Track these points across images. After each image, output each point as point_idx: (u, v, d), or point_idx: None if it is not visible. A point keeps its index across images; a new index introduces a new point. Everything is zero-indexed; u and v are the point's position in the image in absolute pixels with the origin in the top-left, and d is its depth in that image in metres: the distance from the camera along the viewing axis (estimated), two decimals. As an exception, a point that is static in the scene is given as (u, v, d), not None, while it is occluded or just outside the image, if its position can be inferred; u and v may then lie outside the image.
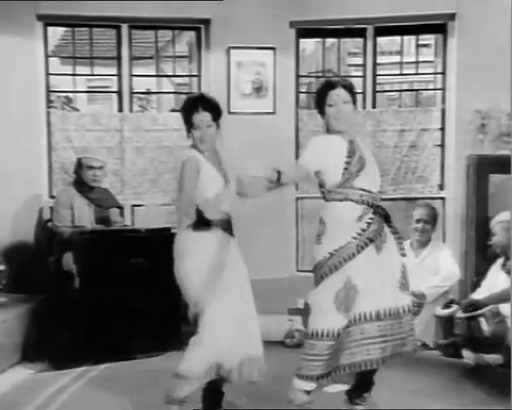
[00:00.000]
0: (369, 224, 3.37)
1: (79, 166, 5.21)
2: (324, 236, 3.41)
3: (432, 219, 5.29)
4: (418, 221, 5.29)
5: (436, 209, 5.42)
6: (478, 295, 4.88)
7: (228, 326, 3.42)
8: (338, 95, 3.42)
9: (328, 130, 3.49)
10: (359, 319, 3.34)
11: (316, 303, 3.43)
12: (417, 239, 5.31)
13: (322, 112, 3.49)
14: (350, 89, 3.46)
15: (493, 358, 4.57)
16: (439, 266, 5.18)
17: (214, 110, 3.52)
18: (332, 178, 3.40)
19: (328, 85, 3.48)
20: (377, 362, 3.38)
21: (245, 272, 3.65)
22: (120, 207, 5.47)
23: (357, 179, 3.38)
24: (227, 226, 3.56)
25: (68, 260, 4.89)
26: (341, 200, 3.39)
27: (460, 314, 4.75)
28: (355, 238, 3.33)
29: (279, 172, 3.42)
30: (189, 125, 3.51)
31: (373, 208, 3.41)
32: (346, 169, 3.38)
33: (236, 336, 3.45)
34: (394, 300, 3.39)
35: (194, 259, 3.42)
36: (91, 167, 5.17)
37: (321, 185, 3.48)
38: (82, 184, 5.19)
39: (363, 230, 3.35)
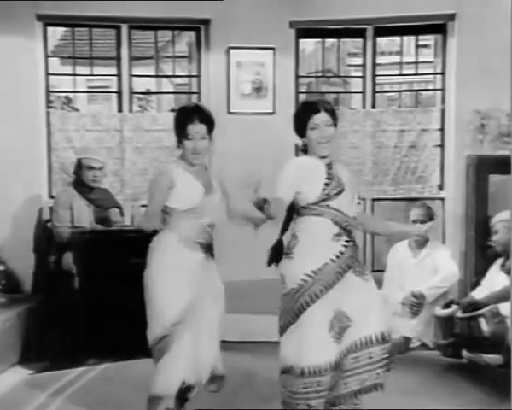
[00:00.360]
0: (345, 247, 3.22)
1: (79, 166, 5.21)
2: (296, 249, 3.26)
3: (428, 219, 5.29)
4: (415, 222, 5.29)
5: (432, 209, 5.40)
6: (478, 294, 4.89)
7: (196, 345, 3.33)
8: (321, 118, 3.26)
9: (307, 151, 3.34)
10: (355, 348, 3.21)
11: (304, 336, 3.15)
12: (415, 239, 5.32)
13: (302, 134, 3.31)
14: (331, 112, 3.30)
15: (493, 358, 4.57)
16: (437, 267, 5.17)
17: (209, 122, 3.44)
18: (308, 197, 3.24)
19: (311, 109, 3.30)
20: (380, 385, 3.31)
21: (221, 289, 3.53)
22: (119, 208, 5.47)
23: (334, 201, 3.22)
24: (208, 248, 3.45)
25: (68, 260, 4.89)
26: (316, 215, 3.23)
27: (460, 314, 4.75)
28: (333, 261, 3.17)
29: (265, 201, 3.25)
30: (182, 135, 3.38)
31: (346, 232, 3.24)
32: (323, 190, 3.22)
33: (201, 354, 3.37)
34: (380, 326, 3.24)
35: (173, 273, 3.30)
36: (91, 168, 5.16)
37: (293, 204, 3.31)
38: (82, 185, 5.19)
39: (342, 252, 3.19)
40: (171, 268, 3.31)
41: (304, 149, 3.35)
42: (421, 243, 5.30)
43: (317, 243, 3.22)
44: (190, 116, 3.39)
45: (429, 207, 5.37)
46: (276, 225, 3.54)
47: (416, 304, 5.06)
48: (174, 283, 3.29)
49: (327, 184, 3.23)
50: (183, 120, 3.41)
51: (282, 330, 3.29)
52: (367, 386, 3.28)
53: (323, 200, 3.22)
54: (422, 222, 5.24)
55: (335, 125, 3.31)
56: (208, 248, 3.46)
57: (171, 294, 3.28)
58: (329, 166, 3.30)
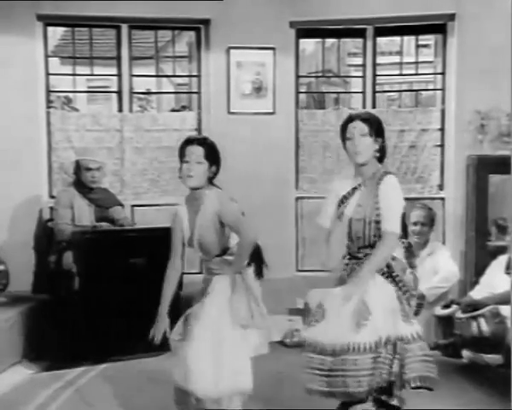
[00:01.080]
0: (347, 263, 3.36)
1: (78, 168, 5.22)
2: None
3: (429, 221, 5.29)
4: (415, 224, 5.28)
5: (433, 210, 5.40)
6: (476, 292, 4.90)
7: None
8: (355, 127, 3.29)
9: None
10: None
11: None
12: (415, 241, 5.32)
13: (344, 147, 3.37)
14: (368, 121, 3.31)
15: (493, 358, 4.57)
16: (437, 267, 5.17)
17: (209, 148, 3.33)
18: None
19: (349, 119, 3.35)
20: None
21: None
22: (121, 205, 5.47)
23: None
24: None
25: (68, 259, 4.90)
26: None
27: (459, 315, 4.75)
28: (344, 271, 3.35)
29: None
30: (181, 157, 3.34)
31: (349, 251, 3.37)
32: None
33: None
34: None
35: None
36: (89, 169, 5.18)
37: None
38: (81, 186, 5.20)
39: (347, 264, 3.36)
40: None
41: None
42: (422, 244, 5.30)
43: None
44: (190, 141, 3.35)
45: (430, 209, 5.36)
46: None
47: (417, 304, 5.05)
48: None
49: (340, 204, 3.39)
50: (183, 143, 3.37)
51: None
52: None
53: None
54: (423, 224, 5.25)
55: (371, 136, 3.29)
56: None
57: None
58: (357, 188, 3.37)
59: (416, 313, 5.08)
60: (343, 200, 3.36)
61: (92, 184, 5.19)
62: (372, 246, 3.30)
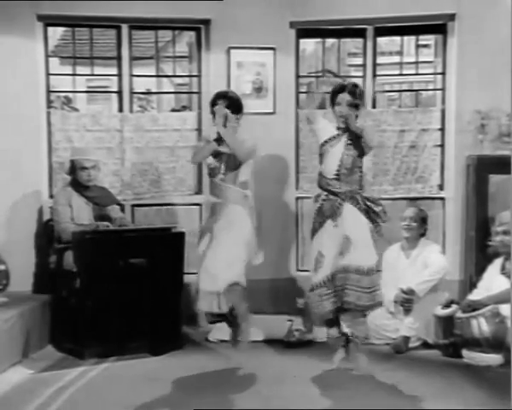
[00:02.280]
0: (322, 203, 4.34)
1: (73, 167, 5.24)
2: None
3: (419, 219, 5.30)
4: (405, 219, 5.33)
5: (425, 211, 5.42)
6: (475, 296, 4.90)
7: None
8: (343, 97, 4.26)
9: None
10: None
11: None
12: (405, 237, 5.34)
13: (333, 110, 4.39)
14: (354, 94, 4.28)
15: (493, 358, 4.57)
16: (427, 262, 5.20)
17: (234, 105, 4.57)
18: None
19: (339, 88, 4.36)
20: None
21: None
22: (119, 204, 5.47)
23: (322, 166, 4.39)
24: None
25: (69, 259, 4.90)
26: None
27: (460, 315, 4.75)
28: (315, 214, 4.39)
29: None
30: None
31: (327, 190, 4.34)
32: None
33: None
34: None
35: None
36: (85, 168, 5.19)
37: None
38: (78, 184, 5.23)
39: (319, 208, 4.36)
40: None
41: None
42: (412, 242, 5.32)
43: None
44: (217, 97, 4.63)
45: (422, 210, 5.39)
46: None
47: (407, 300, 5.08)
48: None
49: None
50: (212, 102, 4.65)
51: None
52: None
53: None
54: (411, 219, 5.29)
55: (356, 106, 4.29)
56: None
57: None
58: (339, 137, 4.37)
59: (408, 309, 5.15)
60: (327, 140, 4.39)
61: (88, 182, 5.22)
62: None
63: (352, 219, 4.29)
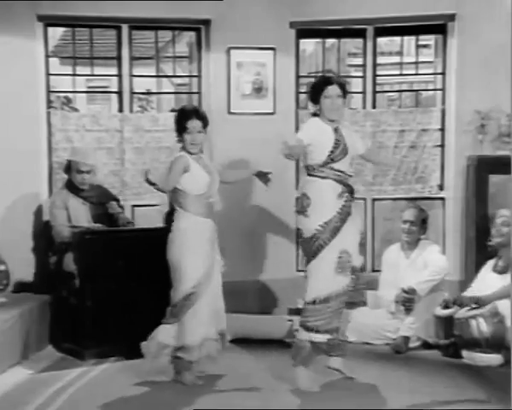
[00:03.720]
0: (346, 200, 4.07)
1: (69, 168, 5.24)
2: (310, 208, 4.05)
3: (419, 221, 5.30)
4: (405, 222, 5.32)
5: (425, 211, 5.42)
6: (469, 294, 4.92)
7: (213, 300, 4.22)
8: (333, 90, 4.10)
9: (319, 117, 4.15)
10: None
11: (317, 272, 4.05)
12: (405, 240, 5.34)
13: (316, 102, 4.15)
14: (343, 86, 4.15)
15: (493, 358, 4.57)
16: (427, 262, 5.21)
17: (205, 120, 4.25)
18: (317, 155, 4.05)
19: (327, 81, 4.17)
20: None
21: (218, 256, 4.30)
22: (116, 200, 5.45)
23: (338, 163, 4.06)
24: (212, 215, 4.23)
25: (69, 260, 4.90)
26: (323, 178, 4.06)
27: (459, 315, 4.75)
28: (339, 213, 4.03)
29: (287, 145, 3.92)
30: (182, 130, 4.18)
31: (347, 187, 4.10)
32: (331, 152, 4.05)
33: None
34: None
35: (192, 241, 4.11)
36: (80, 172, 5.18)
37: (306, 161, 4.13)
38: (73, 186, 5.23)
39: (344, 206, 4.06)
40: (193, 238, 4.11)
41: (315, 115, 4.18)
42: (412, 243, 5.32)
43: (325, 203, 4.05)
44: (189, 114, 4.23)
45: (422, 210, 5.39)
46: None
47: (408, 299, 5.09)
48: (197, 250, 4.10)
49: (335, 148, 4.06)
50: (182, 117, 4.23)
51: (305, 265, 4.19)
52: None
53: (328, 163, 4.05)
54: (412, 223, 5.28)
55: (345, 97, 4.17)
56: (214, 221, 4.25)
57: (196, 258, 4.09)
58: (336, 130, 4.11)
59: (409, 309, 5.16)
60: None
61: (82, 185, 5.21)
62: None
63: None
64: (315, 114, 4.18)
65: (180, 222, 4.17)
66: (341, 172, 4.07)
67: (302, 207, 4.09)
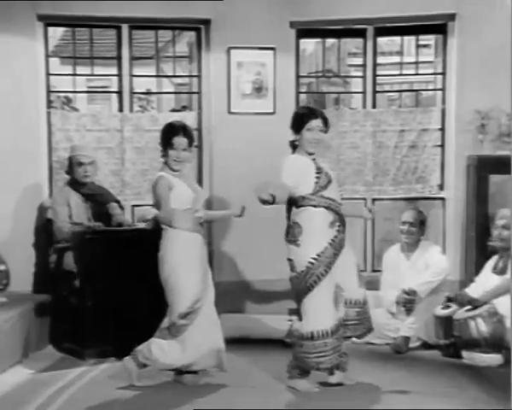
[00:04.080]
0: (338, 231, 3.96)
1: (70, 164, 5.24)
2: (302, 237, 3.93)
3: (418, 222, 5.30)
4: (404, 223, 5.32)
5: (424, 213, 5.42)
6: (472, 289, 4.96)
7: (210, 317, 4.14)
8: (317, 123, 4.02)
9: (296, 147, 4.09)
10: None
11: (314, 307, 3.92)
12: (405, 241, 5.35)
13: (297, 131, 4.06)
14: (325, 120, 4.07)
15: (493, 358, 4.57)
16: (428, 264, 5.21)
17: (191, 138, 4.22)
18: (305, 189, 3.95)
19: (311, 114, 4.07)
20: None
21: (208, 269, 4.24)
22: (117, 201, 5.46)
23: (326, 191, 3.96)
24: (200, 229, 4.18)
25: (69, 260, 4.90)
26: (315, 206, 3.94)
27: (458, 316, 4.76)
28: (330, 244, 3.92)
29: (273, 196, 3.79)
30: (168, 145, 4.15)
31: (339, 216, 3.98)
32: (316, 183, 3.96)
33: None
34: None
35: (184, 258, 4.04)
36: (81, 164, 5.19)
37: (294, 195, 3.96)
38: (75, 183, 5.23)
39: (336, 236, 3.94)
40: (186, 255, 4.03)
41: (293, 145, 4.11)
42: (412, 245, 5.32)
43: (317, 231, 3.93)
44: (176, 130, 4.17)
45: (420, 212, 5.39)
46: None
47: (409, 300, 5.10)
48: (190, 266, 4.02)
49: (318, 177, 3.97)
50: (168, 133, 4.19)
51: (297, 306, 4.04)
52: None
53: (318, 191, 3.95)
54: (411, 225, 5.28)
55: (326, 132, 4.10)
56: (202, 235, 4.20)
57: (190, 275, 4.01)
58: (315, 161, 4.04)
59: (410, 310, 5.17)
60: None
61: (85, 178, 5.21)
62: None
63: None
64: (293, 144, 4.09)
65: (168, 240, 4.09)
66: (332, 200, 3.96)
67: (293, 235, 3.95)
